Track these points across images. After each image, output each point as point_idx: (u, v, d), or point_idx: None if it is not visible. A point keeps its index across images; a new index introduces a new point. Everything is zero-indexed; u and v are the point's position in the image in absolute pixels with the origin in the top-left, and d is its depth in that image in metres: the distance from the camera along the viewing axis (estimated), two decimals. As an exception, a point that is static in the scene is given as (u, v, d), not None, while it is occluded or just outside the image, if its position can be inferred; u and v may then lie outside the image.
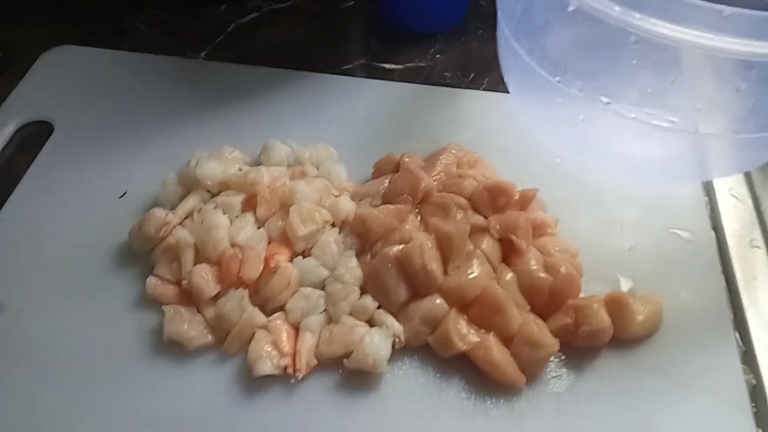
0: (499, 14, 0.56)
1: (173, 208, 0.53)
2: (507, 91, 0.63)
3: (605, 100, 0.48)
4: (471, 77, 0.68)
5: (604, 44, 0.45)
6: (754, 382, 0.47)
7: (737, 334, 0.49)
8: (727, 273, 0.53)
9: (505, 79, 0.60)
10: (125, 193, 0.56)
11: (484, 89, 0.67)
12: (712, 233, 0.55)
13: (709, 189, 0.58)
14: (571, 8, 0.44)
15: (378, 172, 0.57)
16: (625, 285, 0.51)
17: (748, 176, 0.59)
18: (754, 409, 0.45)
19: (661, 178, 0.57)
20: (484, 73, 0.69)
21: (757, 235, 0.55)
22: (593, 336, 0.46)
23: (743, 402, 0.45)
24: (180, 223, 0.51)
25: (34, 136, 0.61)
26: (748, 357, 0.48)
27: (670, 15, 0.40)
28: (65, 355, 0.47)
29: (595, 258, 0.52)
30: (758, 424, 0.45)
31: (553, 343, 0.45)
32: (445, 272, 0.47)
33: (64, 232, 0.53)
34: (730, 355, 0.48)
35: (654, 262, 0.53)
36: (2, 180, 0.58)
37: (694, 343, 0.48)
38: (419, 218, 0.51)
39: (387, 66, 0.70)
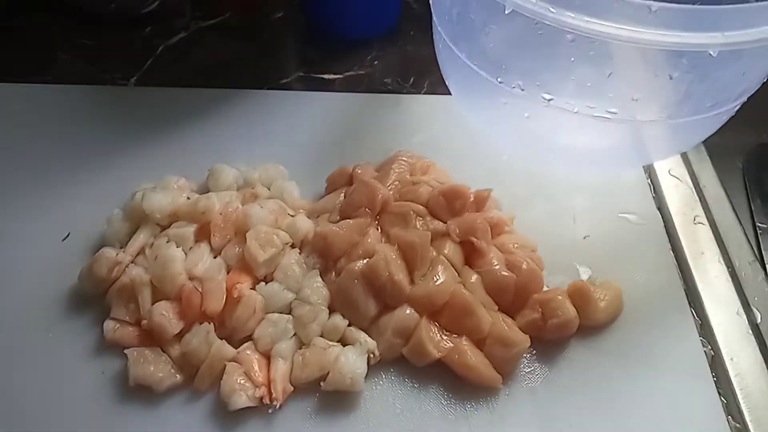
0: (435, 19, 0.56)
1: (122, 245, 0.51)
2: (449, 93, 0.64)
3: (547, 97, 0.49)
4: (411, 81, 0.69)
5: (541, 43, 0.46)
6: (712, 353, 0.49)
7: (692, 309, 0.51)
8: (676, 251, 0.55)
9: (447, 82, 0.61)
10: (68, 234, 0.54)
11: (425, 93, 0.68)
12: (658, 214, 0.57)
13: (650, 172, 0.61)
14: (507, 11, 0.45)
15: (331, 186, 0.56)
16: (584, 273, 0.53)
17: (685, 156, 0.61)
18: (715, 379, 0.48)
19: (605, 166, 0.59)
20: (423, 76, 0.69)
21: (699, 211, 0.57)
22: (561, 327, 0.47)
23: (705, 373, 0.48)
24: (132, 261, 0.49)
25: (-40, 183, 0.58)
26: (704, 330, 0.50)
27: (603, 12, 0.42)
28: (25, 415, 0.44)
29: (552, 250, 0.53)
30: (720, 392, 0.47)
31: (525, 340, 0.46)
32: (412, 281, 0.47)
33: (7, 282, 0.50)
34: (688, 330, 0.50)
35: (608, 247, 0.55)
36: (-72, 234, 0.54)
37: (653, 323, 0.50)
38: (379, 230, 0.51)
39: (326, 76, 0.69)
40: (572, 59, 0.46)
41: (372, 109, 0.65)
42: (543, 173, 0.59)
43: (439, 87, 0.67)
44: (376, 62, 0.71)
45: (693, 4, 0.40)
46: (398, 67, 0.70)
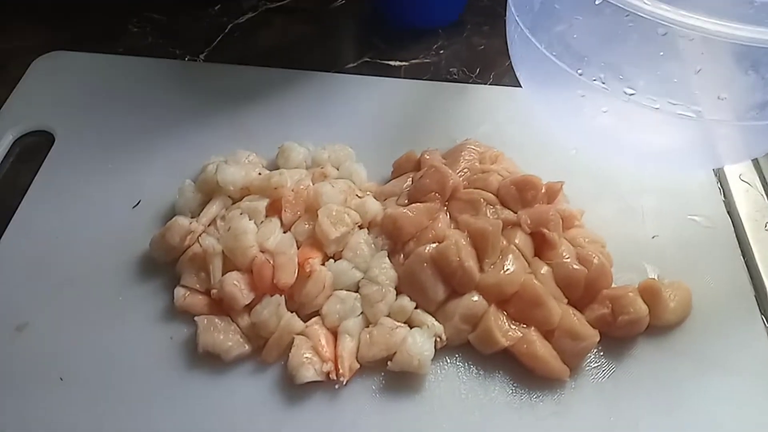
0: (512, 8, 0.56)
1: (193, 215, 0.52)
2: (513, 85, 0.64)
3: (629, 91, 0.49)
4: (477, 72, 0.68)
5: (630, 36, 0.46)
6: (782, 360, 0.48)
7: (762, 315, 0.50)
8: (746, 256, 0.54)
9: (518, 73, 0.60)
10: (139, 202, 0.55)
11: (491, 83, 0.67)
12: (728, 218, 0.56)
13: (720, 175, 0.59)
14: (597, 1, 0.44)
15: (398, 170, 0.56)
16: (652, 272, 0.52)
17: (756, 162, 0.60)
18: (785, 386, 0.47)
19: (677, 165, 0.58)
20: (488, 67, 0.69)
21: (771, 218, 0.56)
22: (632, 325, 0.46)
23: (774, 378, 0.47)
24: (204, 231, 0.50)
25: (34, 147, 0.59)
26: (775, 336, 0.49)
27: (700, 6, 0.41)
28: (95, 374, 0.45)
29: (620, 247, 0.52)
30: (789, 400, 0.46)
31: (594, 334, 0.46)
32: (481, 269, 0.47)
33: (80, 245, 0.51)
34: (757, 335, 0.49)
35: (676, 248, 0.54)
36: (5, 192, 0.55)
37: (722, 326, 0.49)
38: (448, 216, 0.51)
39: (392, 63, 0.69)
40: (661, 53, 0.46)
41: (437, 98, 0.64)
42: (611, 170, 0.58)
43: (505, 78, 0.67)
44: (441, 51, 0.71)
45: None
46: (464, 58, 0.70)
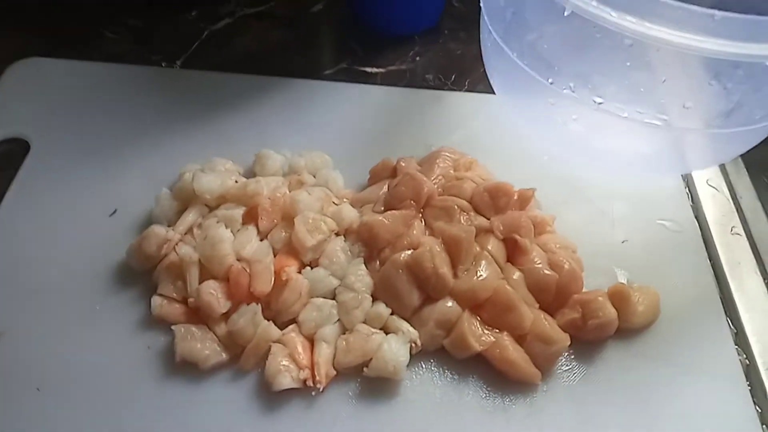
0: (485, 18, 0.57)
1: (170, 224, 0.52)
2: (489, 91, 0.64)
3: (598, 100, 0.50)
4: (452, 79, 0.69)
5: (597, 46, 0.47)
6: (747, 362, 0.50)
7: (728, 318, 0.52)
8: (713, 260, 0.55)
9: (491, 81, 0.61)
10: (115, 210, 0.55)
11: (466, 90, 0.68)
12: (696, 222, 0.58)
13: (688, 180, 0.61)
14: (566, 13, 0.45)
15: (374, 177, 0.57)
16: (621, 277, 0.53)
17: (722, 167, 0.62)
18: (749, 387, 0.48)
19: (647, 171, 0.59)
20: (464, 73, 0.70)
21: (736, 222, 0.58)
22: (601, 328, 0.48)
23: (740, 381, 0.48)
24: (181, 239, 0.50)
25: (9, 154, 0.58)
26: (740, 338, 0.51)
27: (666, 19, 0.42)
28: (73, 384, 0.45)
29: (591, 252, 0.53)
30: (755, 401, 0.47)
31: (565, 338, 0.47)
32: (455, 275, 0.48)
33: (56, 254, 0.51)
34: (723, 338, 0.51)
35: (645, 253, 0.55)
36: (-20, 201, 0.55)
37: (690, 329, 0.51)
38: (423, 223, 0.51)
39: (369, 70, 0.70)
40: (628, 64, 0.47)
41: (413, 105, 0.65)
42: (582, 176, 0.59)
43: (480, 85, 0.68)
44: (418, 58, 0.71)
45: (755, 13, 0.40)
46: (440, 65, 0.71)
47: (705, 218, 0.58)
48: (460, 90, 0.68)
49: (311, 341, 0.47)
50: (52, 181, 0.56)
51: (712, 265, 0.55)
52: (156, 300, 0.48)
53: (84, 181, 0.56)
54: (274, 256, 0.49)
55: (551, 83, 0.51)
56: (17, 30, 0.70)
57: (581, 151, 0.58)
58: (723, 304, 0.53)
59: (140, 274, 0.50)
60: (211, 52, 0.70)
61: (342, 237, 0.51)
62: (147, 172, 0.57)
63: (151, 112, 0.62)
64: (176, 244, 0.49)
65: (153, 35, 0.72)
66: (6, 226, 0.53)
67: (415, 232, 0.50)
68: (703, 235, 0.57)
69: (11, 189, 0.55)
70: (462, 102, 0.66)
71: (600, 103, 0.50)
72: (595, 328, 0.47)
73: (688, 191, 0.60)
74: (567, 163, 0.60)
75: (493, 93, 0.63)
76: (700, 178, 0.61)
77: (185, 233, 0.51)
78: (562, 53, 0.51)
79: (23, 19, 0.72)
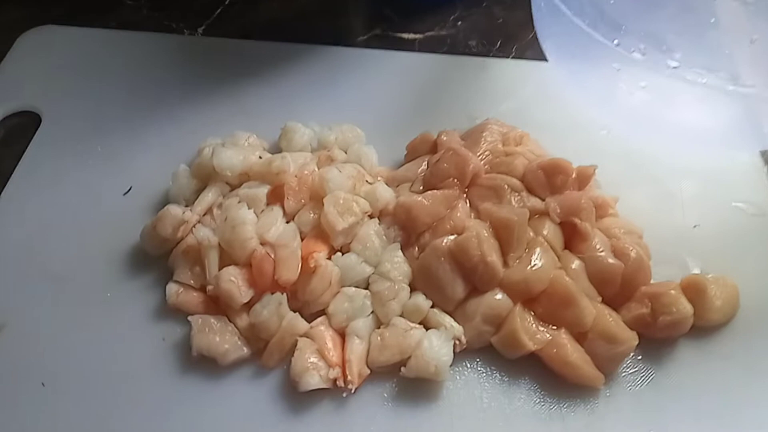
0: (538, -27, 0.50)
1: (188, 203, 0.48)
2: (539, 58, 0.58)
3: (673, 64, 0.43)
4: (498, 45, 0.63)
5: (675, 1, 0.40)
6: (841, 365, 0.43)
7: (817, 315, 0.45)
8: (797, 247, 0.49)
9: (543, 45, 0.55)
10: (130, 188, 0.50)
11: (513, 57, 0.62)
12: (776, 205, 0.51)
13: (766, 158, 0.54)
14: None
15: (412, 153, 0.51)
16: (693, 266, 0.47)
17: (807, 142, 0.55)
18: (842, 393, 0.42)
19: (720, 146, 0.52)
20: (511, 39, 0.64)
21: (824, 204, 0.51)
22: (674, 326, 0.42)
23: (832, 386, 0.42)
24: (199, 221, 0.46)
25: (19, 128, 0.55)
26: (832, 339, 0.44)
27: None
28: (80, 379, 0.41)
29: (658, 238, 0.47)
30: None
31: (632, 337, 0.41)
32: (506, 264, 0.42)
33: (65, 236, 0.47)
34: (812, 338, 0.44)
35: (720, 239, 0.49)
36: (-13, 178, 0.51)
37: (772, 327, 0.45)
38: (468, 204, 0.46)
39: (405, 36, 0.64)
40: (712, 20, 0.40)
41: (455, 73, 0.59)
42: (647, 152, 0.53)
43: (528, 52, 0.62)
44: (459, 23, 0.65)
45: None
46: (484, 30, 0.65)
47: (787, 200, 0.51)
48: (506, 57, 0.62)
49: (342, 336, 0.42)
50: (63, 157, 0.52)
51: (797, 254, 0.48)
52: (171, 287, 0.44)
53: (97, 156, 0.52)
54: (302, 240, 0.44)
55: (617, 45, 0.45)
56: (30, -3, 0.66)
57: (646, 123, 0.52)
58: (812, 298, 0.46)
59: (155, 258, 0.46)
60: (234, 19, 0.65)
61: (376, 219, 0.46)
62: (165, 147, 0.53)
63: (169, 83, 0.58)
64: (194, 226, 0.45)
65: (173, 2, 0.67)
66: (13, 205, 0.49)
67: (459, 214, 0.44)
68: (785, 219, 0.50)
69: (20, 165, 0.52)
70: (509, 70, 0.60)
71: (675, 68, 0.43)
72: (667, 326, 0.42)
73: (766, 169, 0.53)
74: (629, 136, 0.54)
75: (545, 60, 0.57)
76: (780, 154, 0.54)
77: (204, 214, 0.46)
78: (631, 10, 0.44)
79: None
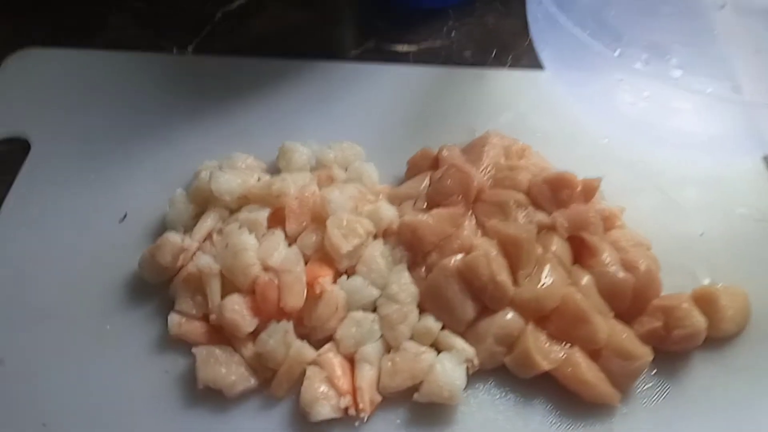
0: (535, -17, 0.50)
1: (186, 229, 0.46)
2: (535, 66, 0.58)
3: (677, 74, 0.43)
4: (493, 54, 0.62)
5: (680, 11, 0.40)
6: None
7: (829, 321, 0.45)
8: (806, 253, 0.48)
9: (541, 55, 0.54)
10: (126, 215, 0.49)
11: (509, 67, 0.61)
12: (783, 210, 0.51)
13: (769, 162, 0.54)
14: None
15: (413, 169, 0.50)
16: (702, 275, 0.47)
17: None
18: None
19: (723, 153, 0.52)
20: (505, 48, 0.63)
21: (830, 208, 0.50)
22: (687, 339, 0.41)
23: None
24: (199, 248, 0.44)
25: (7, 156, 0.53)
26: None
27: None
28: (82, 417, 0.40)
29: (665, 248, 0.47)
30: None
31: (647, 352, 0.40)
32: (516, 282, 0.42)
33: (60, 267, 0.46)
34: (826, 344, 0.44)
35: (727, 247, 0.48)
36: (-24, 210, 0.49)
37: (786, 335, 0.44)
38: (474, 221, 0.45)
39: (399, 48, 0.63)
40: (716, 31, 0.40)
41: (452, 85, 0.58)
42: (648, 161, 0.52)
43: (524, 61, 0.61)
44: (453, 33, 0.64)
45: None
46: (478, 40, 0.64)
47: (792, 205, 0.51)
48: (503, 66, 0.61)
49: (351, 362, 0.41)
50: (54, 184, 0.51)
51: (805, 260, 0.48)
52: (173, 317, 0.42)
53: (90, 183, 0.51)
54: (305, 263, 0.43)
55: (619, 56, 0.44)
56: (13, 18, 0.64)
57: (647, 132, 0.51)
58: (823, 304, 0.45)
59: (155, 287, 0.45)
60: (225, 36, 0.64)
61: (381, 240, 0.45)
62: (160, 172, 0.52)
63: (161, 105, 0.56)
64: (194, 254, 0.44)
65: (160, 20, 0.65)
66: (5, 236, 0.48)
67: (465, 232, 0.43)
68: (790, 224, 0.50)
69: (10, 194, 0.50)
70: (507, 80, 0.59)
71: (678, 77, 0.43)
72: (681, 339, 0.41)
73: (770, 174, 0.53)
74: (630, 145, 0.53)
75: (541, 68, 0.56)
76: (782, 159, 0.54)
77: (204, 240, 0.45)
78: (633, 20, 0.44)
79: (20, 5, 0.66)
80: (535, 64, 0.57)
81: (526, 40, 0.60)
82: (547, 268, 0.42)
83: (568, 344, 0.41)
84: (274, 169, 0.50)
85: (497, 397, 0.41)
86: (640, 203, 0.50)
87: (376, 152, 0.52)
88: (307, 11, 0.67)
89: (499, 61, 0.62)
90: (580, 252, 0.44)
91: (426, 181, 0.48)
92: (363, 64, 0.60)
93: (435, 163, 0.49)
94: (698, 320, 0.41)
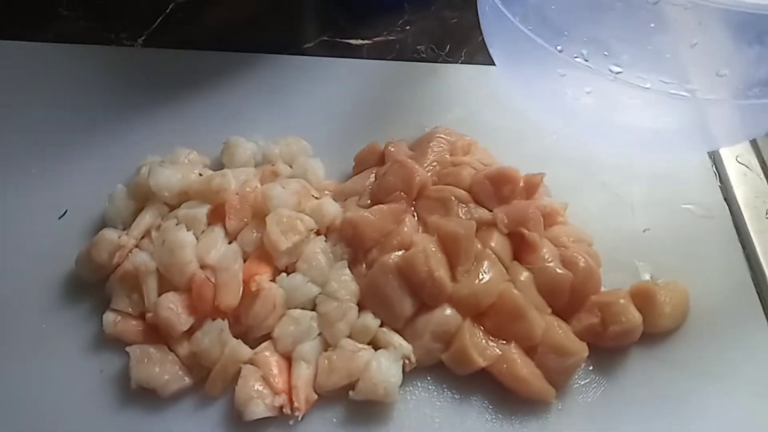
0: (482, -22, 0.49)
1: (125, 226, 0.45)
2: (488, 63, 0.58)
3: (615, 69, 0.43)
4: (447, 49, 0.62)
5: (615, 6, 0.40)
6: (791, 367, 0.43)
7: (766, 315, 0.45)
8: (746, 247, 0.49)
9: (491, 50, 0.54)
10: (66, 212, 0.48)
11: (462, 62, 0.61)
12: (725, 205, 0.51)
13: (715, 158, 0.54)
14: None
15: (360, 165, 0.50)
16: (644, 271, 0.47)
17: (753, 143, 0.55)
18: (794, 396, 0.42)
19: (669, 149, 0.52)
20: (460, 44, 0.63)
21: (772, 203, 0.51)
22: (624, 335, 0.41)
23: (783, 390, 0.42)
24: (136, 245, 0.44)
25: (-53, 150, 0.52)
26: (781, 340, 0.44)
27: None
28: (14, 415, 0.39)
29: (608, 245, 0.47)
30: (800, 413, 0.41)
31: (582, 349, 0.40)
32: (454, 278, 0.42)
33: (-5, 265, 0.45)
34: (761, 339, 0.44)
35: (670, 242, 0.49)
36: None
37: (723, 330, 0.45)
38: (416, 217, 0.45)
39: (353, 42, 0.62)
40: (652, 25, 0.40)
41: (404, 79, 0.58)
42: (595, 157, 0.53)
43: (478, 56, 0.61)
44: (408, 27, 0.64)
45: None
46: (433, 34, 0.64)
47: (736, 200, 0.51)
48: (456, 62, 0.61)
49: (288, 361, 0.41)
50: (-7, 179, 0.50)
51: (746, 256, 0.48)
52: (109, 316, 0.41)
53: (30, 178, 0.50)
54: (244, 261, 0.43)
55: (560, 51, 0.44)
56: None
57: (594, 128, 0.51)
58: (761, 300, 0.46)
59: (92, 285, 0.44)
60: (176, 29, 0.63)
61: (323, 237, 0.44)
62: (103, 167, 0.51)
63: (108, 98, 0.55)
64: (131, 251, 0.43)
65: (111, 12, 0.64)
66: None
67: (406, 229, 0.43)
68: (734, 220, 0.50)
69: (-54, 190, 0.49)
70: (458, 75, 0.59)
71: (618, 73, 0.43)
72: (617, 336, 0.41)
73: (715, 170, 0.54)
74: (578, 142, 0.53)
75: (494, 64, 0.56)
76: (728, 155, 0.54)
77: (141, 238, 0.44)
78: (573, 15, 0.44)
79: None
80: (488, 59, 0.57)
81: (480, 35, 0.60)
82: (485, 264, 0.42)
83: (505, 341, 0.41)
84: (218, 165, 0.50)
85: (434, 393, 0.41)
86: (586, 199, 0.50)
87: (325, 147, 0.52)
88: (262, 3, 0.66)
89: (453, 57, 0.62)
90: (520, 248, 0.44)
91: (372, 178, 0.48)
92: (316, 58, 0.60)
93: (382, 158, 0.49)
94: (634, 316, 0.41)
